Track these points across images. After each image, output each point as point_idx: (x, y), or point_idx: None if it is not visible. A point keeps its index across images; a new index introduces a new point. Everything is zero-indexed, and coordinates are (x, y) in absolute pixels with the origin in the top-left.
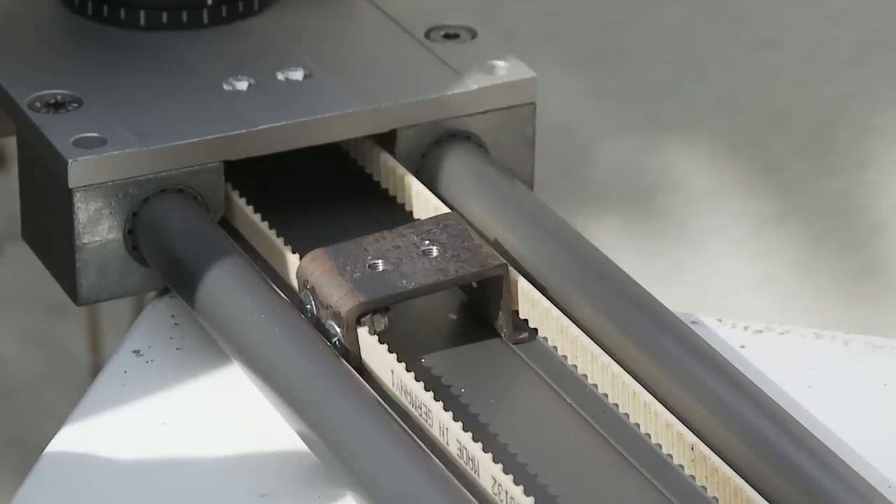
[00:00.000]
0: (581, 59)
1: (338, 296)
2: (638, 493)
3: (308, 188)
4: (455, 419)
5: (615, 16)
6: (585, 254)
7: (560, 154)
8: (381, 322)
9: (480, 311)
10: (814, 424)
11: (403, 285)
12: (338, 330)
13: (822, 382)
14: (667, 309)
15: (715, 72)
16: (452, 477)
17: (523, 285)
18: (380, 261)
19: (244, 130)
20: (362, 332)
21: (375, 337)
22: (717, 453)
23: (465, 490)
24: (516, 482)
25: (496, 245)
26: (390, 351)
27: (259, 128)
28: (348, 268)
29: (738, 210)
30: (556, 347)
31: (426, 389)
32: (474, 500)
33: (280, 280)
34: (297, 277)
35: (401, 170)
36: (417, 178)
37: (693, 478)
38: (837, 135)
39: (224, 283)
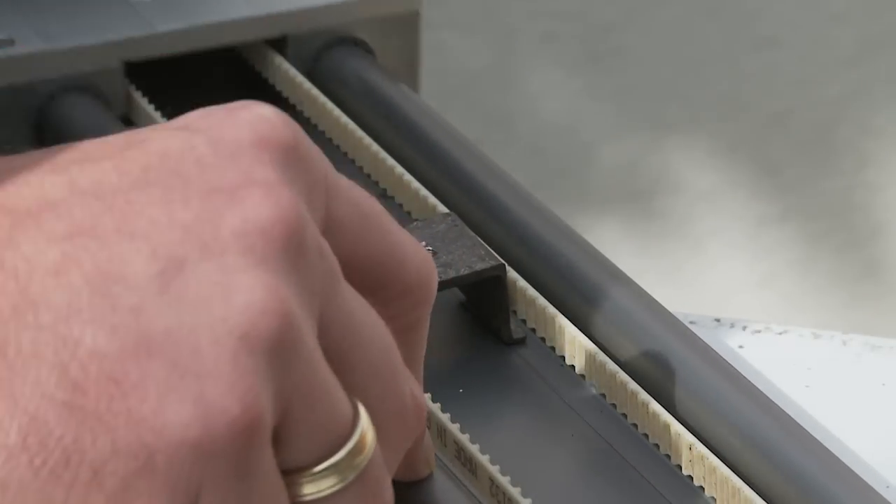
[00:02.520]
0: (581, 59)
1: None
2: (635, 493)
3: (208, 93)
4: (453, 420)
5: (615, 16)
6: (583, 253)
7: (560, 154)
8: None
9: (478, 311)
10: (812, 424)
11: None
12: None
13: (820, 382)
14: (665, 308)
15: (715, 72)
16: (451, 477)
17: (521, 285)
18: None
19: (144, 32)
20: None
21: None
22: (715, 453)
23: (462, 490)
24: (514, 483)
25: (494, 244)
26: None
27: (158, 30)
28: None
29: (737, 210)
30: (553, 347)
31: (424, 390)
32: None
33: None
34: None
35: (293, 72)
36: (311, 81)
37: (691, 478)
38: (837, 135)
39: None
